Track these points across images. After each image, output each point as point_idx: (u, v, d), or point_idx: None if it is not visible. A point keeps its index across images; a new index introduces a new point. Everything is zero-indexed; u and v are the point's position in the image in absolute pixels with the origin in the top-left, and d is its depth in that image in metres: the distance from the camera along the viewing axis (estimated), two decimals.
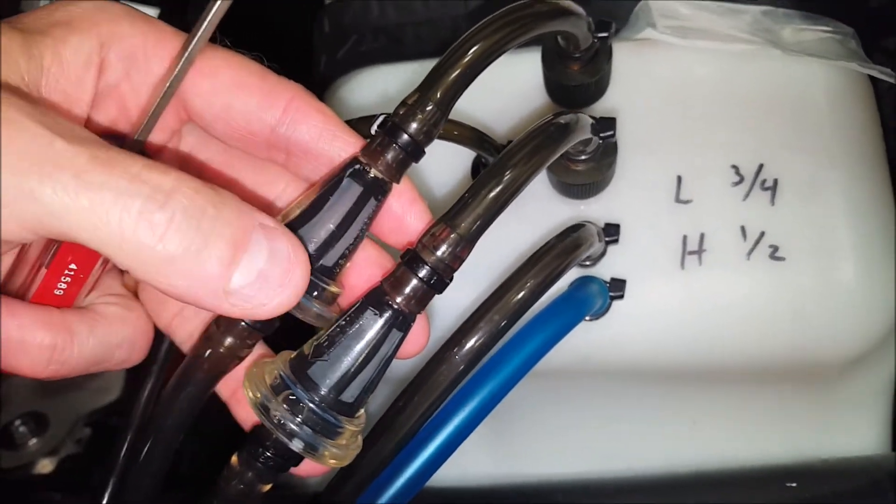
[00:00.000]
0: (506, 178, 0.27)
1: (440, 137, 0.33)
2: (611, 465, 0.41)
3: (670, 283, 0.38)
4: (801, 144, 0.38)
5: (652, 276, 0.38)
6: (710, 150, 0.38)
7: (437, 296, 0.32)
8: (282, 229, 0.24)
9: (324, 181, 0.27)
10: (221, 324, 0.27)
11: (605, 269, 0.38)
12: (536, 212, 0.39)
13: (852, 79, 0.39)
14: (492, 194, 0.27)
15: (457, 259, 0.26)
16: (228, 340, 0.27)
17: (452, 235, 0.26)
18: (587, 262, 0.38)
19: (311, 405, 0.25)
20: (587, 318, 0.37)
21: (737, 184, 0.37)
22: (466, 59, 0.27)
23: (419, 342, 0.29)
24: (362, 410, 0.27)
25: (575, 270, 0.38)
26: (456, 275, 0.38)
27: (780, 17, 0.39)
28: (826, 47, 0.39)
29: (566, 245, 0.33)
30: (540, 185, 0.39)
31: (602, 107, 0.39)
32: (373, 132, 0.27)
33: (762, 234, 0.37)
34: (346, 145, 0.27)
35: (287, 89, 0.27)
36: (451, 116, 0.33)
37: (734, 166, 0.38)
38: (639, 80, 0.39)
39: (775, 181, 0.37)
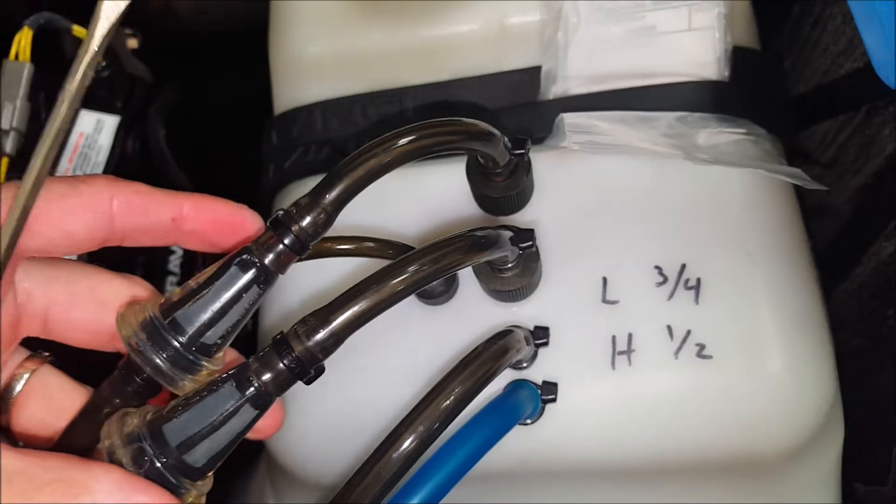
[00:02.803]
0: (391, 282, 0.29)
1: (349, 254, 0.35)
2: None
3: (602, 383, 0.38)
4: (722, 243, 0.39)
5: (584, 377, 0.39)
6: (633, 251, 0.39)
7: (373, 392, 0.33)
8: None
9: (216, 267, 0.29)
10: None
11: (538, 372, 0.39)
12: (471, 313, 0.40)
13: (769, 176, 0.41)
14: (372, 296, 0.28)
15: (325, 351, 0.28)
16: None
17: (324, 329, 0.27)
18: (523, 365, 0.39)
19: (154, 460, 0.26)
20: (520, 424, 0.38)
21: (661, 284, 0.39)
22: (357, 172, 0.30)
23: (275, 424, 0.31)
24: (209, 476, 0.28)
25: (508, 373, 0.38)
26: (390, 373, 0.39)
27: (694, 121, 0.42)
28: (741, 150, 0.41)
29: (494, 351, 0.34)
30: (474, 289, 0.40)
31: (527, 214, 0.41)
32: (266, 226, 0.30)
33: (688, 332, 0.38)
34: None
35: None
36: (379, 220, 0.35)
37: (657, 267, 0.39)
38: (563, 187, 0.41)
39: (698, 280, 0.39)
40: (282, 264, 0.29)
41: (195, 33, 0.73)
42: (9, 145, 0.54)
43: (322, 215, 0.29)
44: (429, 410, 0.31)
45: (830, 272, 0.59)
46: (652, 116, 0.41)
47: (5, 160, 0.54)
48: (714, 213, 0.40)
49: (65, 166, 0.59)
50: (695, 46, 0.44)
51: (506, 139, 0.36)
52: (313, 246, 0.29)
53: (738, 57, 0.45)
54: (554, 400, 0.37)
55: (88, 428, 0.30)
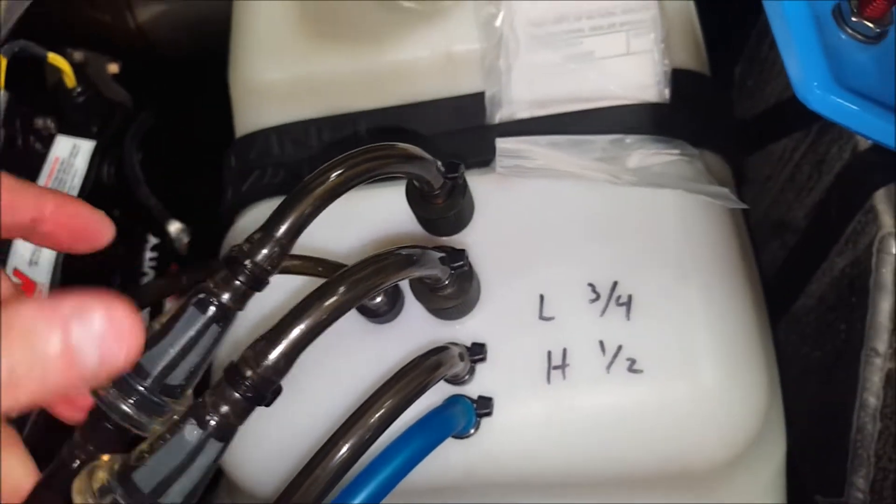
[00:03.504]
0: (335, 296, 0.30)
1: (285, 271, 0.36)
2: None
3: (538, 397, 0.40)
4: (654, 261, 0.41)
5: (521, 391, 0.40)
6: (567, 269, 0.41)
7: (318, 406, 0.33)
8: (87, 297, 0.25)
9: (175, 309, 0.30)
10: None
11: (477, 387, 0.40)
12: (415, 331, 0.41)
13: (701, 197, 0.43)
14: (318, 311, 0.29)
15: (279, 373, 0.29)
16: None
17: (275, 351, 0.28)
18: (464, 379, 0.40)
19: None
20: (457, 436, 0.39)
21: (594, 300, 0.40)
22: (307, 201, 0.31)
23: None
24: None
25: (448, 388, 0.40)
26: (335, 390, 0.40)
27: (629, 144, 0.43)
28: (673, 170, 0.42)
29: (426, 366, 0.35)
30: (418, 308, 0.41)
31: (468, 234, 0.42)
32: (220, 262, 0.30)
33: (619, 347, 0.39)
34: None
35: None
36: (326, 244, 0.36)
37: (591, 284, 0.40)
38: (502, 209, 0.43)
39: (629, 297, 0.40)
40: (240, 301, 0.30)
41: (170, 59, 0.75)
42: None
43: (276, 248, 0.30)
44: (361, 422, 0.33)
45: (791, 287, 0.60)
46: (586, 140, 0.42)
47: None
48: (646, 233, 0.41)
49: None
50: (633, 70, 0.46)
51: (439, 163, 0.37)
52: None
53: (678, 79, 0.47)
54: (489, 414, 0.39)
55: (62, 480, 0.31)
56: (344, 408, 0.40)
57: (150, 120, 0.70)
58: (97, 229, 0.32)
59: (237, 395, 0.28)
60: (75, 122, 0.63)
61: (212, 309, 0.29)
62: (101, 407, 0.29)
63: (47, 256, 0.58)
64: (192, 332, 0.29)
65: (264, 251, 0.30)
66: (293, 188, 0.48)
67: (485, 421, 0.39)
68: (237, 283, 0.29)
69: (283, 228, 0.30)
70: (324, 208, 0.31)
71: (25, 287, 0.58)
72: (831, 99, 0.37)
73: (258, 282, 0.30)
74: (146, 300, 0.37)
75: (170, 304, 0.66)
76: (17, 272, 0.58)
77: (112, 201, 0.65)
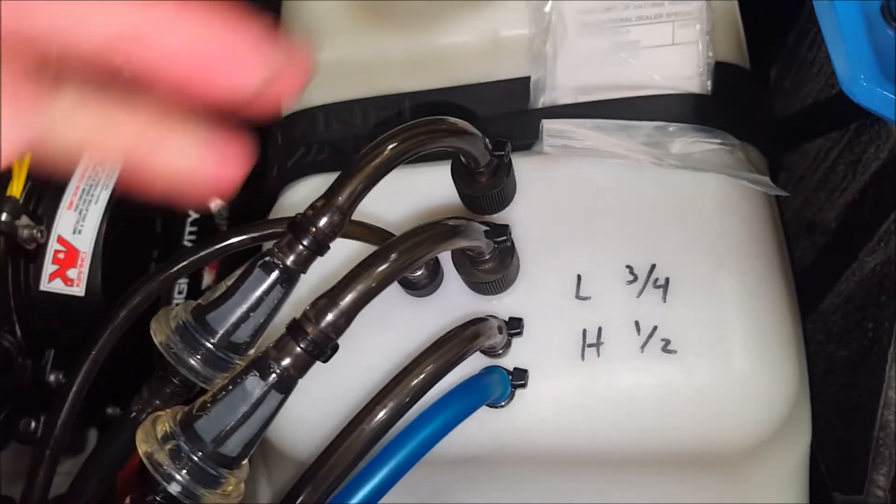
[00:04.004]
0: (389, 261, 0.31)
1: (349, 237, 0.38)
2: None
3: (572, 373, 0.41)
4: (692, 246, 0.42)
5: (555, 366, 0.41)
6: (606, 251, 0.42)
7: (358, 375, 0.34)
8: None
9: (242, 270, 0.31)
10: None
11: (511, 360, 0.41)
12: (453, 305, 0.43)
13: (741, 184, 0.43)
14: (373, 275, 0.31)
15: (338, 330, 0.30)
16: None
17: (334, 310, 0.29)
18: (498, 352, 0.41)
19: (191, 455, 0.29)
20: (492, 405, 0.40)
21: (631, 282, 0.41)
22: (365, 171, 0.32)
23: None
24: (245, 462, 0.30)
25: (484, 360, 0.41)
26: (375, 359, 0.42)
27: (672, 131, 0.44)
28: (714, 158, 0.43)
29: (466, 335, 0.36)
30: (457, 283, 0.43)
31: (509, 213, 0.43)
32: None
33: (654, 328, 0.40)
34: None
35: None
36: (375, 218, 0.37)
37: (629, 266, 0.41)
38: (544, 190, 0.44)
39: (667, 280, 0.41)
40: (303, 264, 0.31)
41: None
42: None
43: (337, 215, 0.31)
44: (401, 385, 0.34)
45: (819, 286, 0.61)
46: (630, 125, 0.43)
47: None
48: (686, 217, 0.42)
49: (85, 162, 0.62)
50: (677, 60, 0.46)
51: (487, 140, 0.38)
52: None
53: (720, 72, 0.47)
54: (524, 385, 0.40)
55: (129, 432, 0.32)
56: (381, 375, 0.41)
57: None
58: None
59: (299, 348, 0.29)
60: None
61: (277, 271, 0.31)
62: (169, 362, 0.31)
63: (90, 225, 0.60)
64: (257, 293, 0.31)
65: (326, 217, 0.31)
66: (338, 165, 0.50)
67: (518, 393, 0.40)
68: (300, 247, 0.31)
69: (343, 196, 0.32)
70: (380, 178, 0.33)
71: (69, 255, 0.60)
72: (877, 91, 0.37)
73: (320, 246, 0.31)
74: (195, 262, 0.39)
75: (207, 275, 0.68)
76: (60, 239, 0.60)
77: None
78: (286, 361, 0.29)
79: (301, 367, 0.30)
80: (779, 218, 0.49)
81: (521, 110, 0.48)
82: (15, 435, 0.58)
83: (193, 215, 0.70)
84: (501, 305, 0.42)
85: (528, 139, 0.46)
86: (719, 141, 0.44)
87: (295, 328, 0.30)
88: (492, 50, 0.49)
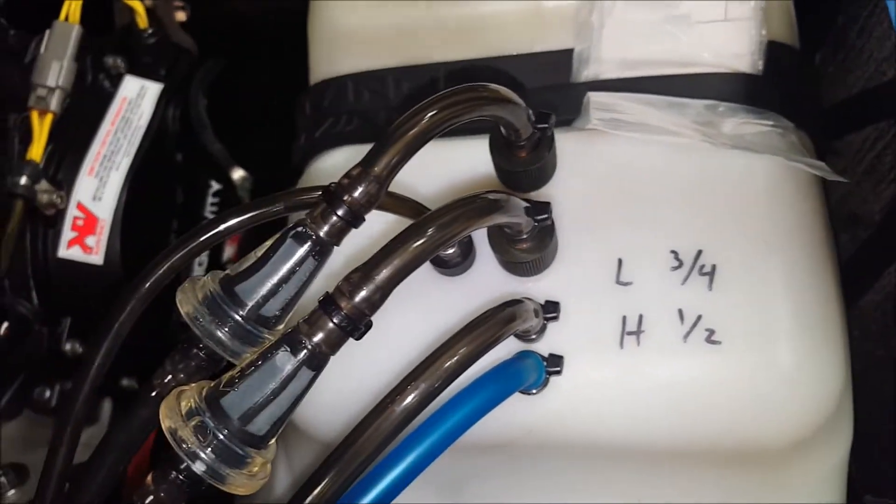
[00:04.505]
0: (426, 236, 0.29)
1: (381, 208, 0.36)
2: None
3: (609, 362, 0.39)
4: (740, 232, 0.39)
5: (592, 353, 0.39)
6: (650, 235, 0.40)
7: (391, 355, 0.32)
8: None
9: (273, 240, 0.29)
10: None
11: (546, 345, 0.39)
12: (487, 285, 0.41)
13: (792, 169, 0.41)
14: (410, 249, 0.29)
15: (372, 306, 0.28)
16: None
17: (369, 285, 0.28)
18: (532, 337, 0.39)
19: (217, 433, 0.27)
20: (525, 391, 0.38)
21: (676, 268, 0.39)
22: (404, 139, 0.30)
23: None
24: (272, 442, 0.28)
25: (517, 344, 0.39)
26: (406, 339, 0.40)
27: (723, 111, 0.41)
28: (766, 140, 0.41)
29: (501, 317, 0.35)
30: (490, 263, 0.41)
31: (548, 191, 0.41)
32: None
33: (699, 317, 0.38)
34: None
35: None
36: (407, 191, 0.35)
37: (673, 251, 0.39)
38: (585, 167, 0.41)
39: (713, 267, 0.39)
40: (337, 235, 0.29)
41: (241, 10, 0.74)
42: (54, 103, 0.56)
43: (374, 185, 0.29)
44: (433, 368, 0.32)
45: (859, 281, 0.58)
46: (680, 102, 0.41)
47: (50, 116, 0.56)
48: (735, 202, 0.40)
49: (107, 128, 0.61)
50: (729, 37, 0.44)
51: (530, 111, 0.36)
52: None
53: (772, 51, 0.45)
54: (559, 372, 0.38)
55: (153, 405, 0.31)
56: (409, 356, 0.39)
57: (219, 67, 0.70)
58: None
59: (332, 324, 0.27)
60: (145, 63, 0.63)
61: (309, 242, 0.29)
62: (195, 333, 0.29)
63: (111, 192, 0.58)
64: (289, 264, 0.29)
65: (362, 187, 0.29)
66: (368, 136, 0.48)
67: (553, 380, 0.39)
68: (335, 217, 0.29)
69: (380, 165, 0.30)
70: (419, 148, 0.31)
71: (87, 222, 0.58)
72: None
73: (356, 217, 0.29)
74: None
75: (228, 247, 0.66)
76: (80, 206, 0.58)
77: (176, 145, 0.65)
78: (318, 337, 0.28)
79: (334, 344, 0.28)
80: (826, 206, 0.47)
81: (563, 84, 0.46)
82: (30, 403, 0.57)
83: (216, 186, 0.69)
84: (536, 288, 0.40)
85: (568, 114, 0.44)
86: (771, 123, 0.42)
87: (328, 302, 0.28)
88: (533, 20, 0.47)
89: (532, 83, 0.46)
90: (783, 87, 0.45)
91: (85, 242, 0.57)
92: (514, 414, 0.39)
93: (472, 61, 0.48)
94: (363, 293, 0.28)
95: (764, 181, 0.40)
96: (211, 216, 0.67)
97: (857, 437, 0.51)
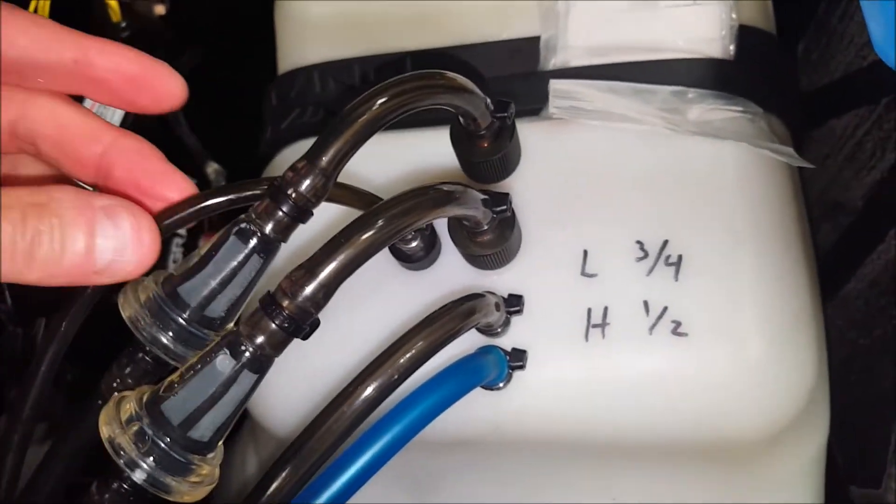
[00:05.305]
0: (374, 228, 0.28)
1: (333, 201, 0.35)
2: None
3: (574, 355, 0.38)
4: (707, 221, 0.39)
5: (556, 347, 0.38)
6: (615, 225, 0.39)
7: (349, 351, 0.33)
8: (119, 202, 0.27)
9: (216, 237, 0.29)
10: None
11: (510, 339, 0.38)
12: (450, 279, 0.40)
13: (762, 156, 0.40)
14: (356, 244, 0.28)
15: (317, 305, 0.27)
16: None
17: (313, 282, 0.27)
18: (496, 331, 0.38)
19: (157, 440, 0.26)
20: (488, 387, 0.37)
21: (641, 259, 0.38)
22: (352, 129, 0.29)
23: None
24: (217, 449, 0.27)
25: (481, 339, 0.38)
26: (367, 335, 0.39)
27: (690, 98, 0.41)
28: (734, 126, 0.40)
29: (460, 311, 0.34)
30: (455, 256, 0.40)
31: (512, 182, 0.40)
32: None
33: (665, 309, 0.37)
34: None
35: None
36: (370, 184, 0.35)
37: (639, 242, 0.38)
38: (550, 158, 0.41)
39: (679, 257, 0.38)
40: (283, 232, 0.28)
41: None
42: None
43: (320, 178, 0.28)
44: (389, 362, 0.31)
45: (841, 269, 0.58)
46: (646, 89, 0.40)
47: None
48: (702, 190, 0.39)
49: None
50: (700, 21, 0.43)
51: (489, 100, 0.35)
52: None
53: (744, 36, 0.44)
54: (522, 367, 0.37)
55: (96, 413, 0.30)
56: (372, 350, 0.38)
57: (195, 59, 0.69)
58: (160, 79, 0.30)
59: (274, 325, 0.27)
60: None
61: (254, 239, 0.28)
62: (140, 339, 0.29)
63: None
64: (233, 263, 0.28)
65: (308, 181, 0.28)
66: None
67: (518, 375, 0.38)
68: (280, 213, 0.28)
69: (327, 157, 0.29)
70: (368, 137, 0.30)
71: None
72: None
73: (302, 213, 0.28)
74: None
75: (203, 242, 0.65)
76: None
77: (150, 140, 0.64)
78: (260, 339, 0.27)
79: (277, 345, 0.27)
80: (802, 195, 0.46)
81: (530, 72, 0.45)
82: (3, 405, 0.56)
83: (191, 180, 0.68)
84: (501, 281, 0.39)
85: (536, 103, 0.43)
86: (741, 108, 0.41)
87: (269, 303, 0.27)
88: (500, 7, 0.46)
89: (500, 71, 0.45)
90: (756, 73, 0.44)
91: None
92: (479, 410, 0.38)
93: (439, 50, 0.47)
94: (306, 292, 0.27)
95: (732, 169, 0.39)
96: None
97: (840, 426, 0.51)
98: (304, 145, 0.47)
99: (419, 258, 0.39)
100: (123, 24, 0.63)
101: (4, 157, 0.30)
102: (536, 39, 0.45)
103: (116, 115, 0.61)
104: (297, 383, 0.41)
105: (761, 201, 0.39)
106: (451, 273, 0.40)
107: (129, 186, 0.29)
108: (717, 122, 0.39)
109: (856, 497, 0.53)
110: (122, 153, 0.29)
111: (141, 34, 0.65)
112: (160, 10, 0.69)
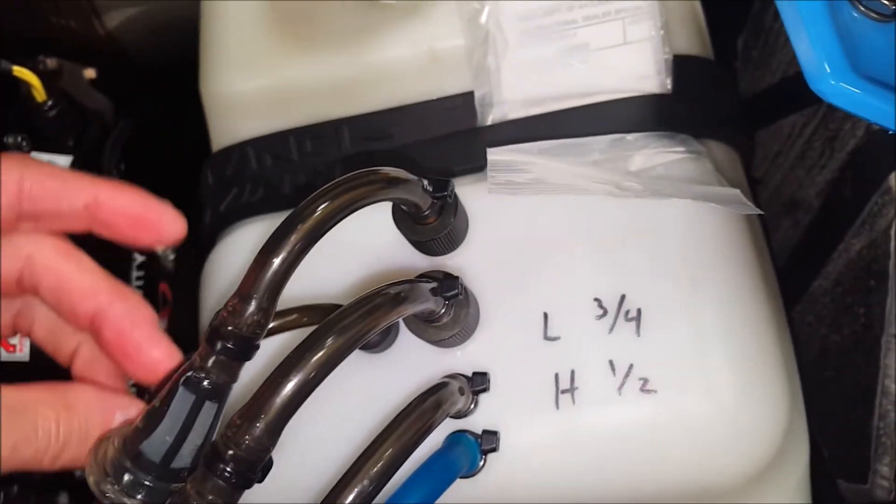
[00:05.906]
0: (319, 354, 0.27)
1: (277, 331, 0.34)
2: None
3: (547, 424, 0.37)
4: (662, 271, 0.38)
5: (528, 419, 0.37)
6: (571, 284, 0.38)
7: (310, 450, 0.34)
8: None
9: (165, 390, 0.27)
10: None
11: (481, 417, 0.37)
12: (411, 360, 0.39)
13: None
14: (298, 380, 0.26)
15: (265, 450, 0.26)
16: None
17: (257, 427, 0.26)
18: (468, 410, 0.37)
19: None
20: (464, 476, 0.36)
21: (601, 316, 0.37)
22: (283, 259, 0.28)
23: None
24: None
25: (449, 421, 0.37)
26: (329, 426, 0.38)
27: (630, 142, 0.40)
28: (679, 170, 0.39)
29: (425, 408, 0.33)
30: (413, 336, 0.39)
31: (464, 251, 0.39)
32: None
33: (630, 366, 0.37)
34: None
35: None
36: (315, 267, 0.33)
37: (597, 299, 0.38)
38: (499, 221, 0.40)
39: (639, 311, 0.37)
40: (230, 374, 0.28)
41: (146, 66, 0.71)
42: None
43: (258, 314, 0.27)
44: (359, 477, 0.30)
45: (807, 267, 0.58)
46: (581, 143, 0.39)
47: None
48: (653, 242, 0.38)
49: None
50: (633, 60, 0.42)
51: (426, 182, 0.34)
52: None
53: (680, 66, 0.43)
54: (495, 449, 0.36)
55: None
56: (337, 449, 0.37)
57: (130, 129, 0.67)
58: (159, 218, 0.31)
59: (221, 482, 0.25)
60: (49, 137, 0.60)
61: (202, 387, 0.27)
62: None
63: None
64: (186, 416, 0.27)
65: (244, 318, 0.27)
66: (274, 205, 0.46)
67: (492, 455, 0.37)
68: (223, 358, 0.27)
69: (260, 290, 0.27)
70: (300, 260, 0.28)
71: None
72: (848, 90, 0.34)
73: (245, 351, 0.27)
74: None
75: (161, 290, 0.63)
76: None
77: None
78: (210, 498, 0.26)
79: (229, 498, 0.26)
80: (759, 228, 0.46)
81: (469, 129, 0.44)
82: None
83: (139, 258, 0.66)
84: (465, 356, 0.38)
85: (478, 161, 0.42)
86: (683, 149, 0.40)
87: (213, 455, 0.26)
88: (429, 65, 0.45)
89: (439, 130, 0.44)
90: (695, 102, 0.44)
91: None
92: (461, 497, 0.37)
93: (373, 114, 0.45)
94: (250, 438, 0.26)
95: (681, 217, 0.39)
96: (138, 290, 0.65)
97: (825, 422, 0.50)
98: (247, 225, 0.46)
99: (377, 343, 0.38)
100: (49, 103, 0.60)
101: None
102: (471, 95, 0.44)
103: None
104: (268, 498, 0.39)
105: (715, 245, 0.39)
106: (412, 353, 0.39)
107: (115, 350, 0.30)
108: (659, 168, 0.39)
109: (844, 491, 0.54)
110: (114, 319, 0.30)
111: (70, 110, 0.62)
112: (90, 73, 0.67)
